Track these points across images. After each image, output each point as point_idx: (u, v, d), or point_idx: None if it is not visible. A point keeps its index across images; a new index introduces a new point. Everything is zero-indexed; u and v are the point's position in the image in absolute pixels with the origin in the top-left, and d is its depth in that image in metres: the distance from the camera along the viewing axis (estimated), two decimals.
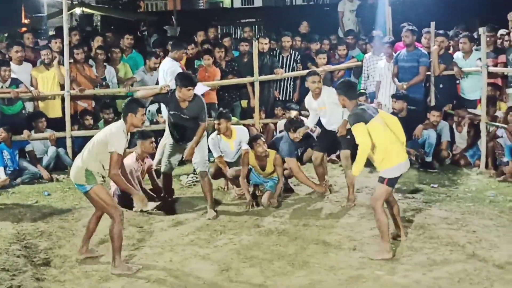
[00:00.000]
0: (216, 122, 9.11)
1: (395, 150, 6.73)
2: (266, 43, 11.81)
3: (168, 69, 9.92)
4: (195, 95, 8.26)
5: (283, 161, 8.90)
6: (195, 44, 12.29)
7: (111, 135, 6.46)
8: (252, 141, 8.74)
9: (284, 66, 11.99)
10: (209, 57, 11.55)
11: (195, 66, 11.92)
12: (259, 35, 13.78)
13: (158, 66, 11.16)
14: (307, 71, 11.67)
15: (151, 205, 8.53)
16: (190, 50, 12.06)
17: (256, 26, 16.87)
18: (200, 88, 10.93)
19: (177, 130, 8.54)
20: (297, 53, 12.18)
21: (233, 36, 15.54)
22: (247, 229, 7.79)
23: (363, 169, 6.86)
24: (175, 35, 14.85)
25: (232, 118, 10.48)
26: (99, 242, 7.35)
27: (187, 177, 10.01)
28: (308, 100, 9.09)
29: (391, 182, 6.77)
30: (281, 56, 12.11)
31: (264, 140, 8.86)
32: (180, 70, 9.90)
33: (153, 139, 9.06)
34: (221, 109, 9.73)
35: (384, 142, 6.69)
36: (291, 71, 12.04)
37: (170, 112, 8.46)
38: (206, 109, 8.48)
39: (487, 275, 6.13)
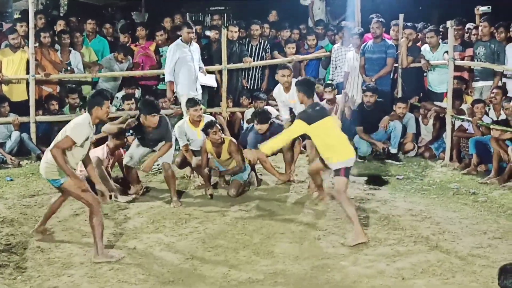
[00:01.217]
0: (194, 109, 9.03)
1: (344, 147, 7.14)
2: (235, 31, 11.74)
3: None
4: (160, 118, 8.30)
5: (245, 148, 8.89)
6: (164, 30, 12.19)
7: (75, 125, 6.47)
8: (208, 128, 8.65)
9: (253, 54, 11.95)
10: None
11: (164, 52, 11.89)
12: (228, 23, 13.66)
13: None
14: (276, 60, 11.73)
15: (124, 198, 8.43)
16: (159, 36, 11.98)
17: (225, 14, 16.73)
18: (210, 80, 10.89)
19: (144, 144, 8.67)
20: (266, 42, 12.14)
21: (203, 24, 15.41)
22: (212, 218, 7.76)
23: (271, 150, 7.54)
24: (143, 21, 14.69)
25: None
26: (62, 229, 7.29)
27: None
28: (278, 92, 9.11)
29: (347, 172, 7.01)
30: (250, 44, 12.06)
31: (219, 127, 8.79)
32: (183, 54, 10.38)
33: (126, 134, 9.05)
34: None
35: (334, 139, 7.09)
36: (260, 60, 12.00)
37: (137, 137, 8.62)
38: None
39: (450, 266, 6.19)
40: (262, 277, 6.00)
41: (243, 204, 8.26)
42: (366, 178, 9.32)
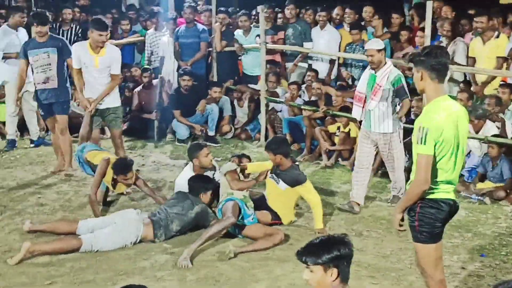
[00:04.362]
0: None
1: None
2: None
3: None
4: None
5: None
6: None
7: None
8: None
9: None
10: None
11: None
12: (36, 7, 13.09)
13: None
14: None
15: None
16: None
17: None
18: None
19: None
20: (78, 26, 11.80)
21: (7, 8, 14.59)
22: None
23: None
24: None
25: None
26: None
27: None
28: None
29: None
30: (61, 29, 11.65)
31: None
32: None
33: None
34: None
35: None
36: (71, 45, 11.63)
37: None
38: None
39: None
40: None
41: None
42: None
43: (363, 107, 7.53)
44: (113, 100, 8.36)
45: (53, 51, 8.63)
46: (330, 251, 3.61)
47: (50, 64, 8.64)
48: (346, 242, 3.68)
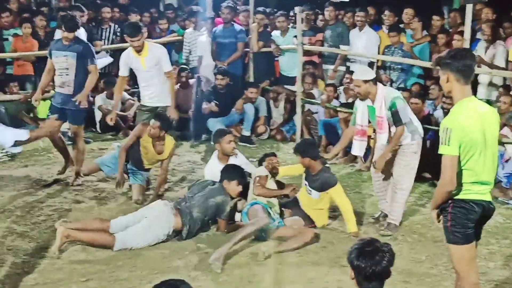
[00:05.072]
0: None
1: None
2: (82, 15, 11.40)
3: None
4: None
5: None
6: (10, 11, 11.63)
7: None
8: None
9: (103, 38, 11.68)
10: (30, 25, 11.03)
11: (9, 35, 11.35)
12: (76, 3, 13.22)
13: None
14: (127, 44, 11.52)
15: None
16: (5, 18, 11.41)
17: None
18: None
19: None
20: (116, 25, 11.91)
21: (50, 6, 14.79)
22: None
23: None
24: None
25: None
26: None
27: None
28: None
29: None
30: (100, 28, 11.78)
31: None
32: None
33: None
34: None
35: None
36: (111, 44, 11.77)
37: None
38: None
39: None
40: None
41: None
42: None
43: (368, 140, 7.09)
44: (165, 99, 8.41)
45: (72, 56, 8.12)
46: (353, 256, 3.59)
47: (67, 69, 8.16)
48: (375, 258, 3.53)
